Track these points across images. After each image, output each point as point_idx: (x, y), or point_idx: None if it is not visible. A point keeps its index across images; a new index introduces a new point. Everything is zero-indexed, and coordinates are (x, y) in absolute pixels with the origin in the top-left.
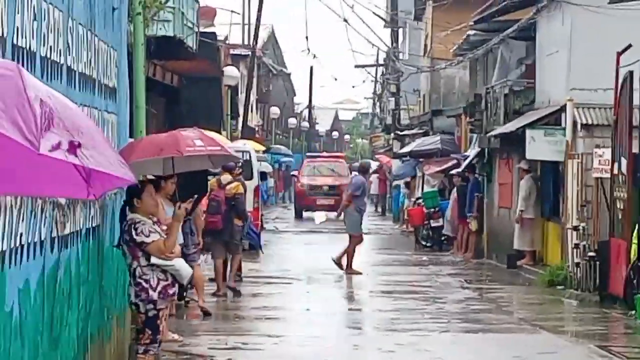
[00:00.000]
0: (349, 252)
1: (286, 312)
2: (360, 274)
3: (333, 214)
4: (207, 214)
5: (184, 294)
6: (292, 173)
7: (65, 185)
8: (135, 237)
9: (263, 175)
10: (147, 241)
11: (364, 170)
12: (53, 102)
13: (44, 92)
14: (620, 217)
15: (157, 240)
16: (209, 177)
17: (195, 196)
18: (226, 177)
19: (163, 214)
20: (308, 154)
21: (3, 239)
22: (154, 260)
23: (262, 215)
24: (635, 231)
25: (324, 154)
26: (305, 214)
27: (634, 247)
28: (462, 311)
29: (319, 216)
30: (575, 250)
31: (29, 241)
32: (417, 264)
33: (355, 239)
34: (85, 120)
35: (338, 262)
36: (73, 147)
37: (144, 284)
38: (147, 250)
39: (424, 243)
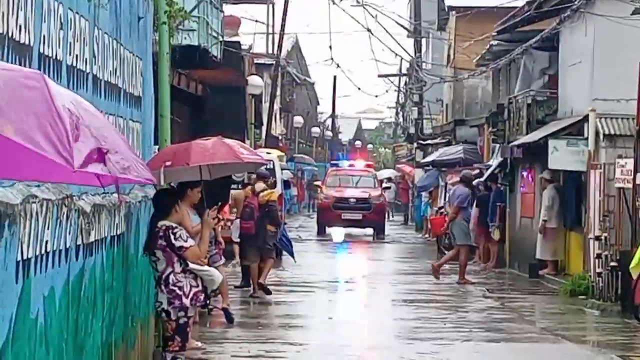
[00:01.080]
0: (462, 263)
1: (309, 320)
2: (474, 283)
3: (361, 231)
4: (241, 220)
5: (208, 301)
6: (315, 183)
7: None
8: (174, 242)
9: (286, 184)
10: (186, 246)
11: (468, 180)
12: (77, 108)
13: (67, 99)
14: None
15: (193, 245)
16: (232, 186)
17: (219, 204)
18: (260, 185)
19: (189, 221)
20: (332, 162)
21: (29, 246)
22: (191, 265)
23: (285, 223)
24: None
25: (351, 162)
26: (328, 230)
27: None
28: (484, 320)
29: (338, 235)
30: (597, 260)
31: (54, 249)
32: (439, 273)
33: (465, 249)
34: (105, 122)
35: (436, 270)
36: (101, 155)
37: (177, 290)
38: (185, 255)
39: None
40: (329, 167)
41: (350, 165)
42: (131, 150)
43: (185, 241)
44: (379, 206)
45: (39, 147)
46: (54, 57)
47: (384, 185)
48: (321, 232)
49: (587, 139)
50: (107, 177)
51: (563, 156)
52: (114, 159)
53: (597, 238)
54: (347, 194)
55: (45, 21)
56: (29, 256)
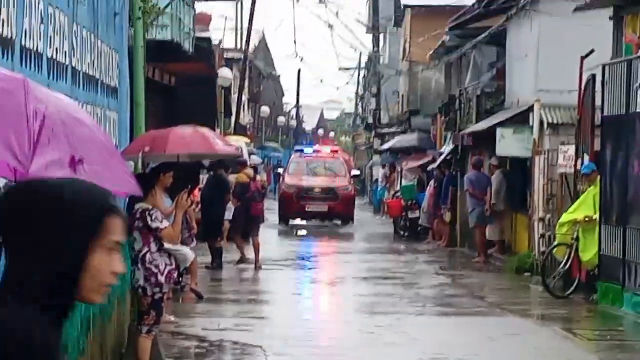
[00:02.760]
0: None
1: (274, 296)
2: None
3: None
4: (254, 203)
5: (180, 279)
6: (277, 171)
7: None
8: (150, 223)
9: (255, 169)
10: (162, 227)
11: (480, 165)
12: (61, 115)
13: (52, 105)
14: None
15: (168, 226)
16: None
17: (189, 187)
18: (250, 171)
19: (162, 204)
20: (296, 147)
21: None
22: (166, 245)
23: None
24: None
25: (316, 147)
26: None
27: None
28: (437, 296)
29: (301, 230)
30: (541, 239)
31: None
32: (395, 252)
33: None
34: (94, 134)
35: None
36: (73, 163)
37: (153, 268)
38: (161, 236)
39: (401, 233)
40: (292, 153)
41: (315, 151)
42: (122, 163)
43: (161, 222)
44: (347, 196)
45: None
46: (35, 49)
47: (353, 172)
48: (284, 223)
49: (532, 127)
50: None
51: (510, 143)
52: (90, 169)
53: (541, 219)
54: (312, 183)
55: (26, 16)
56: None
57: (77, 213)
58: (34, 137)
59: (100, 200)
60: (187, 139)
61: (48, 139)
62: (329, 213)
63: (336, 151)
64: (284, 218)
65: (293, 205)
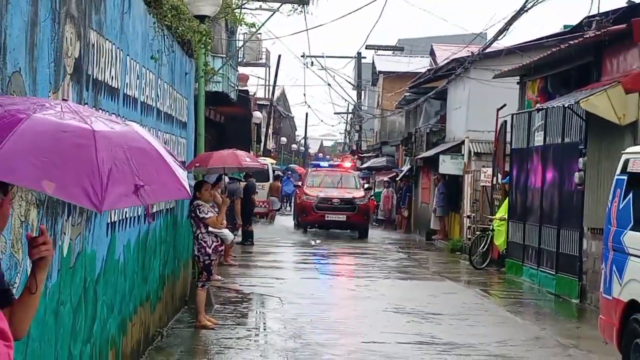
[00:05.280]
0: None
1: (288, 264)
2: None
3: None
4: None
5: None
6: (295, 183)
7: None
8: (199, 214)
9: (276, 177)
10: (207, 217)
11: (444, 178)
12: (128, 151)
13: (120, 146)
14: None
15: (212, 216)
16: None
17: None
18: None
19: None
20: (313, 162)
21: (114, 214)
22: (210, 229)
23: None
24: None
25: (332, 163)
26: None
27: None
28: (397, 266)
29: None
30: (468, 230)
31: (130, 216)
32: (369, 237)
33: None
34: (151, 156)
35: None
36: (136, 189)
37: (203, 243)
38: (207, 223)
39: (374, 224)
40: (309, 168)
41: (331, 166)
42: (170, 172)
43: (207, 214)
44: (363, 207)
45: (75, 198)
46: (133, 96)
47: (366, 185)
48: (302, 230)
49: (463, 155)
50: (148, 198)
51: (448, 165)
52: (149, 189)
53: (468, 217)
54: (331, 194)
55: (127, 74)
56: (115, 220)
57: None
58: (104, 179)
59: None
60: (224, 157)
61: (115, 177)
62: (347, 223)
63: (351, 166)
64: (302, 225)
65: (313, 214)
